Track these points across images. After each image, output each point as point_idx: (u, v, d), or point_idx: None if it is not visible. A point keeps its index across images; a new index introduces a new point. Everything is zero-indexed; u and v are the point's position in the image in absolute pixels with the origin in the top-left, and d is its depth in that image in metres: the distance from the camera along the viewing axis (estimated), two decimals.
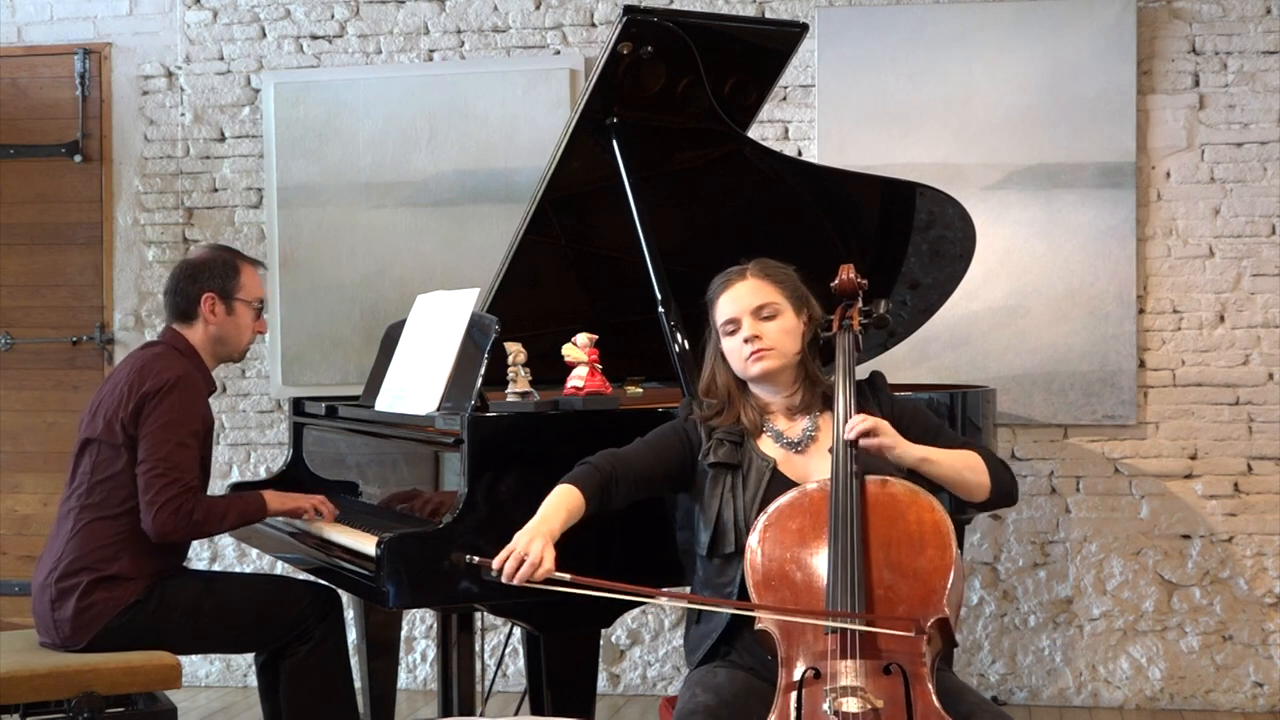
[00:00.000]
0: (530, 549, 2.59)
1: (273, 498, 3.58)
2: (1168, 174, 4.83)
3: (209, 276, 3.61)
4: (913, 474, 2.76)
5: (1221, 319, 4.82)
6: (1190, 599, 4.84)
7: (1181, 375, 4.83)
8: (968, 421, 3.86)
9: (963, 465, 2.78)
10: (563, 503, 2.73)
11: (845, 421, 2.71)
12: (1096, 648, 4.89)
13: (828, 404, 2.85)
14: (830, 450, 2.73)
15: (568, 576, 2.58)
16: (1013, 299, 4.85)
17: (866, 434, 2.68)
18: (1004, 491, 2.84)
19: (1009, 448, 4.88)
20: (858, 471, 2.65)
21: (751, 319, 2.84)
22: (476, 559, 2.62)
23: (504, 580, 2.58)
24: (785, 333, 2.84)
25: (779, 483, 2.77)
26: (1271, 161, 4.77)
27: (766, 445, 2.84)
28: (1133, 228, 4.80)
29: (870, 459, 2.71)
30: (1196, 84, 4.80)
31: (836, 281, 2.92)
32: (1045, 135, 4.82)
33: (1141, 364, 4.84)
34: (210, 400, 3.62)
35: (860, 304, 2.91)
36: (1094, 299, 4.81)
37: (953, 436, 2.92)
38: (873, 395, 2.89)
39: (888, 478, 2.69)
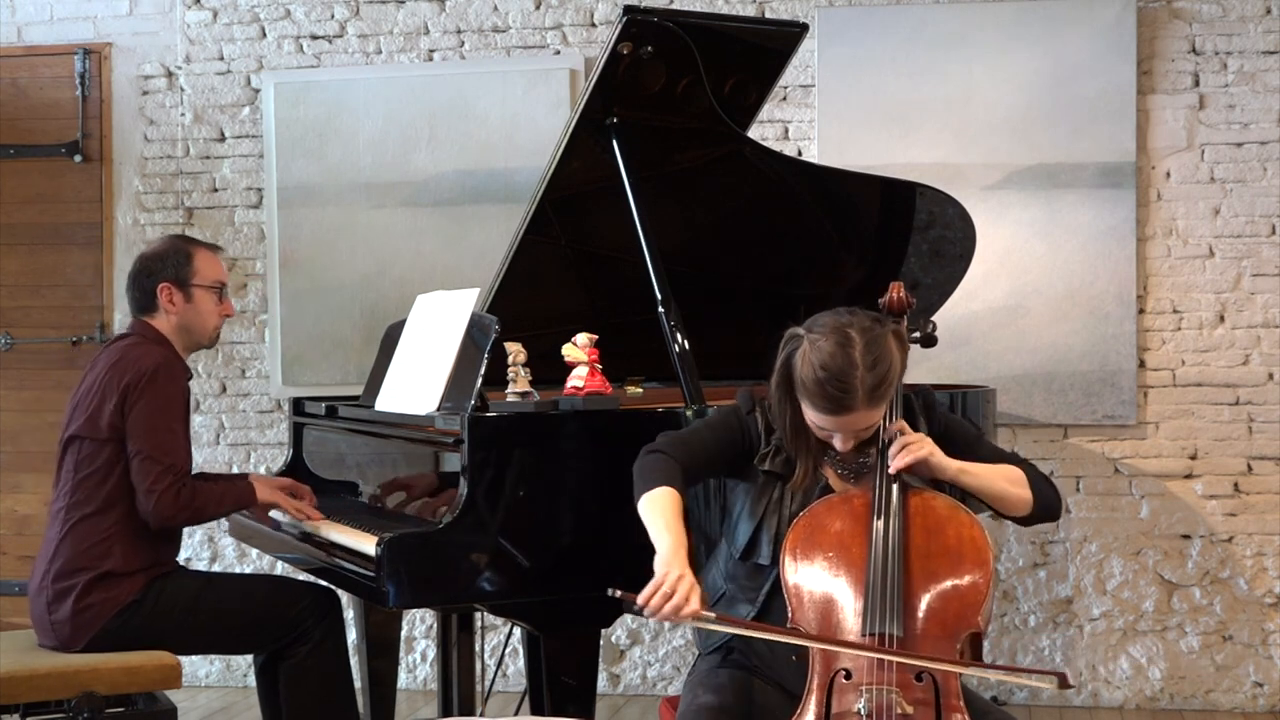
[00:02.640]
0: (678, 587, 2.47)
1: (262, 488, 3.60)
2: (1168, 174, 4.83)
3: (162, 267, 3.60)
4: (955, 487, 2.75)
5: (1221, 319, 4.82)
6: (1190, 599, 4.84)
7: (1181, 375, 4.83)
8: (968, 421, 3.85)
9: (1001, 478, 2.73)
10: (678, 512, 2.62)
11: (888, 438, 2.70)
12: (1096, 648, 4.89)
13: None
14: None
15: (714, 615, 2.53)
16: (1013, 299, 4.85)
17: (905, 453, 2.65)
18: (1047, 505, 2.77)
19: (1009, 448, 4.88)
20: (901, 483, 2.65)
21: (849, 437, 2.67)
22: (620, 593, 2.50)
23: (648, 616, 2.49)
24: (876, 425, 2.71)
25: None
26: (1271, 161, 4.77)
27: (822, 465, 2.77)
28: (1133, 228, 4.80)
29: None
30: (1196, 84, 4.80)
31: (885, 299, 2.90)
32: (1045, 135, 4.82)
33: (1141, 364, 4.84)
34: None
35: (907, 322, 2.90)
36: (1094, 299, 4.81)
37: (993, 447, 2.87)
38: (924, 412, 2.84)
39: (929, 491, 2.68)
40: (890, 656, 2.47)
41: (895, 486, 2.65)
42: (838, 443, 2.68)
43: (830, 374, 2.57)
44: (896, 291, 2.90)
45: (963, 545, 2.60)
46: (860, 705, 2.45)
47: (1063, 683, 2.45)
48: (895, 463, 2.66)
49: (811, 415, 2.66)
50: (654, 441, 2.77)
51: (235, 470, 5.32)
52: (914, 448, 2.67)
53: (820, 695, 2.50)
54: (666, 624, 5.10)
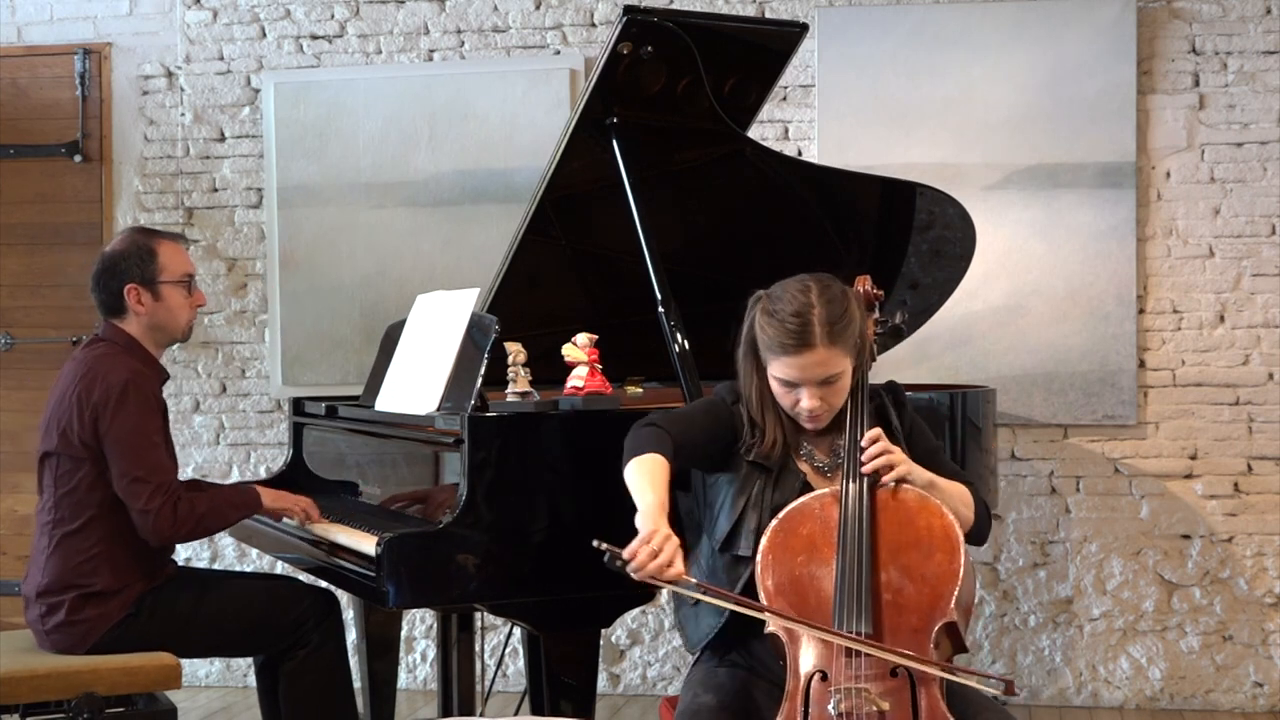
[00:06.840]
0: (665, 546, 2.45)
1: (266, 494, 3.55)
2: (1168, 174, 4.83)
3: (126, 268, 3.48)
4: None
5: (1221, 319, 4.82)
6: (1190, 599, 4.84)
7: (1181, 375, 4.83)
8: (968, 421, 3.86)
9: (959, 499, 2.75)
10: (665, 476, 2.61)
11: (859, 434, 2.70)
12: (1096, 648, 4.89)
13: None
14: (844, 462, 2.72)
15: (694, 581, 2.50)
16: (1013, 299, 4.85)
17: (883, 467, 2.65)
18: (980, 532, 2.82)
19: (1009, 448, 4.88)
20: (869, 478, 2.65)
21: (813, 387, 2.68)
22: (606, 546, 2.46)
23: (632, 572, 2.45)
24: (843, 390, 2.73)
25: None
26: (1271, 161, 4.77)
27: (799, 461, 2.78)
28: (1133, 228, 4.80)
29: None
30: (1196, 84, 4.80)
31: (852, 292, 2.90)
32: (1045, 135, 4.82)
33: (1141, 364, 4.84)
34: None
35: (876, 314, 2.91)
36: (1094, 299, 4.81)
37: (949, 463, 2.90)
38: (894, 408, 2.85)
39: (898, 484, 2.68)
40: (854, 644, 2.47)
41: (865, 482, 2.64)
42: (804, 401, 2.68)
43: (788, 311, 2.66)
44: (863, 285, 2.92)
45: (933, 535, 2.60)
46: (831, 706, 2.45)
47: (1008, 689, 2.47)
48: (870, 465, 2.65)
49: (776, 368, 2.69)
50: (646, 417, 2.77)
51: (236, 472, 5.32)
52: (892, 458, 2.65)
53: (797, 699, 2.50)
54: (666, 623, 5.10)
